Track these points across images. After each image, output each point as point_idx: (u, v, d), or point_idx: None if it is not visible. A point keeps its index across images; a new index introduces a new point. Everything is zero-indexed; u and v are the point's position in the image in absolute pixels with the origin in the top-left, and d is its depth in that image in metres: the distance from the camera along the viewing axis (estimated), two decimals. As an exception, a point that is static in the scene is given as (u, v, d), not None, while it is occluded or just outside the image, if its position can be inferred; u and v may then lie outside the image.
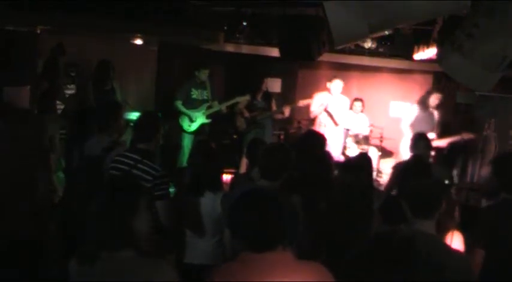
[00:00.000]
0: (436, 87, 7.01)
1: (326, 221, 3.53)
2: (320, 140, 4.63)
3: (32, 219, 3.81)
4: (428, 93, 6.95)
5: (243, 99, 7.57)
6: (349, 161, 4.55)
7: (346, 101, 7.67)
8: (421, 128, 6.81)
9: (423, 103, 6.98)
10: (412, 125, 7.03)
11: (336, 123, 7.42)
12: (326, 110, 7.37)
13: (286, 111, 7.65)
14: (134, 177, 3.43)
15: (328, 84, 7.53)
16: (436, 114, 7.04)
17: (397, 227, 3.04)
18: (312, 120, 7.63)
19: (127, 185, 2.41)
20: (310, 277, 2.15)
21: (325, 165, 4.10)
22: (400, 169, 4.76)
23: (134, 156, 3.62)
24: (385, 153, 7.98)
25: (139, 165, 3.55)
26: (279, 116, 7.87)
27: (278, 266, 2.15)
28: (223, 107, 7.53)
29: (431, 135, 6.76)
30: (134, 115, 6.37)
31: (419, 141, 5.13)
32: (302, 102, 7.67)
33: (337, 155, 7.33)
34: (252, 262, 2.17)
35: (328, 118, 7.40)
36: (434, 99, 6.90)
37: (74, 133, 5.08)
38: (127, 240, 2.23)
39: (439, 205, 2.76)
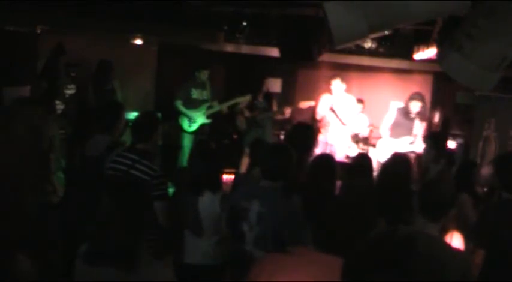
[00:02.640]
0: (416, 94, 6.94)
1: (330, 223, 3.53)
2: (309, 131, 4.65)
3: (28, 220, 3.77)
4: (410, 100, 6.89)
5: (244, 100, 7.57)
6: (353, 162, 4.55)
7: (352, 99, 7.62)
8: (398, 133, 6.91)
9: (405, 110, 6.93)
10: (391, 129, 7.03)
11: (342, 123, 7.39)
12: (332, 109, 7.34)
13: (287, 112, 7.69)
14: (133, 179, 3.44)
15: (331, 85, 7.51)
16: (417, 122, 6.99)
17: (397, 226, 3.03)
18: (317, 121, 7.59)
19: (131, 186, 2.44)
20: (327, 269, 2.16)
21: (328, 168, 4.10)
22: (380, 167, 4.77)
23: (132, 156, 3.62)
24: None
25: (137, 166, 3.55)
26: (279, 117, 7.89)
27: (330, 265, 2.17)
28: (224, 107, 7.53)
29: (409, 139, 6.88)
30: (134, 115, 6.37)
31: (426, 140, 5.11)
32: (303, 104, 7.65)
33: (343, 155, 7.31)
34: (304, 258, 2.19)
35: (334, 118, 7.37)
36: (415, 107, 6.82)
37: (75, 133, 5.08)
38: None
39: (449, 210, 2.75)
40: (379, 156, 7.07)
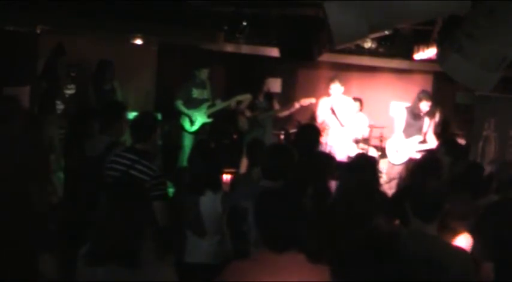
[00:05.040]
0: (424, 93, 6.94)
1: (329, 222, 3.52)
2: (315, 132, 4.63)
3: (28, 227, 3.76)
4: (419, 100, 6.89)
5: (244, 98, 7.56)
6: (352, 161, 4.54)
7: (350, 101, 7.64)
8: (409, 133, 6.93)
9: (414, 110, 6.92)
10: (404, 130, 7.04)
11: (341, 125, 7.40)
12: (332, 111, 7.34)
13: (297, 105, 7.64)
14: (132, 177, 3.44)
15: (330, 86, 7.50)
16: (426, 119, 6.98)
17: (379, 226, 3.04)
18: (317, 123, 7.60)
19: (130, 185, 2.44)
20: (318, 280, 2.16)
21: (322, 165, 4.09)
22: (410, 168, 4.74)
23: (131, 156, 3.61)
24: (385, 153, 7.97)
25: (136, 166, 3.55)
26: (285, 113, 7.88)
27: (289, 267, 2.16)
28: (232, 103, 7.52)
29: (418, 138, 6.89)
30: (134, 115, 6.38)
31: (440, 147, 5.02)
32: (304, 101, 7.65)
33: (343, 156, 7.30)
34: (265, 261, 2.18)
35: (334, 120, 7.38)
36: (424, 107, 6.83)
37: (74, 133, 5.07)
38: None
39: (440, 209, 2.75)
40: (390, 157, 7.08)
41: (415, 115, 6.90)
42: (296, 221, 2.21)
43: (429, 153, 4.72)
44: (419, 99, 6.84)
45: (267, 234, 2.22)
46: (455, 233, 3.17)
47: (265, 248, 2.21)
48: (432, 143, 6.83)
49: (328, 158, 4.37)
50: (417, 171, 4.19)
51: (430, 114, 6.97)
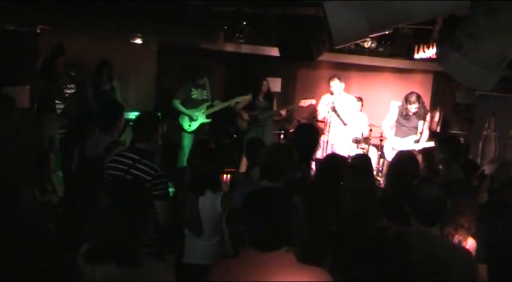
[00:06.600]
0: (410, 96, 7.01)
1: (334, 224, 3.51)
2: (313, 131, 4.63)
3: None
4: (406, 102, 6.98)
5: (244, 99, 7.57)
6: (354, 162, 4.53)
7: (352, 99, 7.65)
8: (404, 132, 7.06)
9: (402, 112, 7.05)
10: (396, 128, 7.14)
11: (344, 123, 7.42)
12: (333, 109, 7.35)
13: (283, 112, 7.78)
14: (133, 178, 3.44)
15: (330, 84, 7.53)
16: (418, 120, 7.06)
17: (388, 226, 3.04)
18: (319, 121, 7.61)
19: (130, 186, 2.45)
20: (308, 280, 2.15)
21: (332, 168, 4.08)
22: (388, 166, 4.74)
23: (133, 155, 3.61)
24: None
25: (137, 165, 3.54)
26: (278, 117, 7.92)
27: (277, 267, 2.15)
28: (232, 103, 7.54)
29: (414, 137, 7.01)
30: (134, 115, 6.37)
31: (436, 143, 5.01)
32: (304, 102, 7.66)
33: (344, 155, 7.30)
34: (252, 261, 2.18)
35: (336, 118, 7.39)
36: (411, 109, 6.96)
37: (74, 133, 5.08)
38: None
39: (442, 214, 2.73)
40: (386, 156, 7.15)
41: (403, 116, 7.06)
42: (281, 220, 2.18)
43: (403, 152, 4.71)
44: (406, 102, 7.01)
45: (252, 233, 2.21)
46: (469, 233, 3.15)
47: (252, 247, 2.20)
48: (427, 142, 6.94)
49: (344, 160, 4.36)
50: (392, 171, 4.20)
51: (421, 114, 7.08)
